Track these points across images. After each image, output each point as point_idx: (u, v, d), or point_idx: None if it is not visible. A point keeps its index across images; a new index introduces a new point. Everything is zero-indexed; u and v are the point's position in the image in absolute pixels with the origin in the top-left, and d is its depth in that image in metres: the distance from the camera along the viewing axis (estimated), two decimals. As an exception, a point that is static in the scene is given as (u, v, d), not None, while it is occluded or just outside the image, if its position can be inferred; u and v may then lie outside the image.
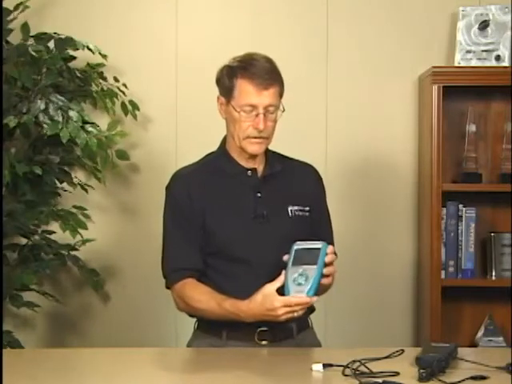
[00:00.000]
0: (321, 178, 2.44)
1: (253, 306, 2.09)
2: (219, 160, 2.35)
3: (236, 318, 2.14)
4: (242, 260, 2.25)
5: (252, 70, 2.22)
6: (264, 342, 2.22)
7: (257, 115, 2.22)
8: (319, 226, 2.37)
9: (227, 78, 2.26)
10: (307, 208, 2.34)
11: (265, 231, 2.27)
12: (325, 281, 2.08)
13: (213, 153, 2.40)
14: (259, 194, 2.29)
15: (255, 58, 2.26)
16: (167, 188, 2.37)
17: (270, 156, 2.36)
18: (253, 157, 2.31)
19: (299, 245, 2.10)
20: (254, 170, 2.32)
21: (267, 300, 2.06)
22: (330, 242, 2.40)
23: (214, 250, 2.27)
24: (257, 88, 2.21)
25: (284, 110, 2.27)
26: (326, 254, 2.08)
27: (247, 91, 2.22)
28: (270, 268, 2.22)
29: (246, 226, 2.26)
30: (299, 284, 2.02)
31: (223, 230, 2.26)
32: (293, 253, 2.08)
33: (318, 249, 2.07)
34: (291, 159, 2.43)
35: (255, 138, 2.25)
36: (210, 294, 2.20)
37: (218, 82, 2.30)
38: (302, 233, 2.30)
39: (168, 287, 2.31)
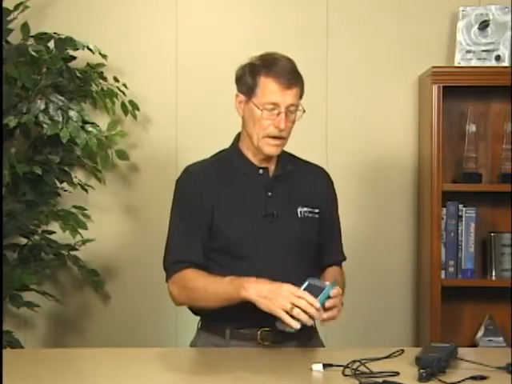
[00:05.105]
0: (332, 182, 2.44)
1: (261, 280, 2.07)
2: (231, 158, 2.35)
3: (236, 294, 2.09)
4: (249, 258, 2.24)
5: (276, 69, 2.22)
6: (266, 343, 2.21)
7: (278, 114, 2.21)
8: (327, 229, 2.37)
9: (250, 76, 2.25)
10: (316, 210, 2.33)
11: (273, 231, 2.26)
12: (325, 316, 2.06)
13: (225, 150, 2.39)
14: (270, 193, 2.29)
15: (278, 58, 2.26)
16: (177, 182, 2.36)
17: (282, 156, 2.35)
18: (268, 158, 2.30)
19: (312, 280, 2.09)
20: (265, 169, 2.32)
21: (277, 283, 2.05)
22: (337, 245, 2.43)
23: (221, 247, 2.26)
24: (280, 87, 2.21)
25: (305, 111, 2.26)
26: (329, 296, 2.06)
27: (271, 89, 2.21)
28: (276, 268, 2.23)
29: (255, 224, 2.26)
30: None
31: (232, 228, 2.25)
32: (304, 285, 2.07)
33: (324, 287, 2.07)
34: (303, 160, 2.43)
35: (274, 137, 2.24)
36: (212, 275, 2.19)
37: (240, 79, 2.29)
38: (310, 234, 2.32)
39: (166, 281, 2.30)
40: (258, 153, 2.30)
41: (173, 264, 2.27)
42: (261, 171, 2.32)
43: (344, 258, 2.47)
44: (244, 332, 2.22)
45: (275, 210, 2.27)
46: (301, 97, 2.27)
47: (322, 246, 2.38)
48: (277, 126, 2.22)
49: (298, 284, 2.07)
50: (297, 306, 2.00)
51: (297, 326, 1.99)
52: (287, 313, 2.01)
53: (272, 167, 2.33)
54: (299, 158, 2.43)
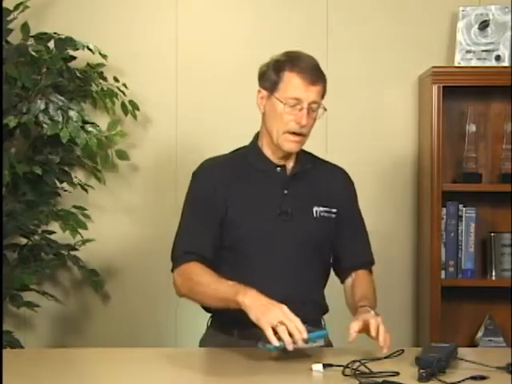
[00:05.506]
0: (352, 182, 2.42)
1: (262, 295, 2.04)
2: (249, 154, 2.34)
3: (233, 297, 2.06)
4: (261, 256, 2.23)
5: (301, 64, 2.22)
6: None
7: (300, 110, 2.21)
8: (348, 229, 2.36)
9: (273, 72, 2.24)
10: (334, 210, 2.32)
11: (287, 229, 2.25)
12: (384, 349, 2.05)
13: (244, 146, 2.38)
14: (286, 192, 2.28)
15: (302, 55, 2.26)
16: (193, 175, 2.35)
17: (301, 154, 2.34)
18: (286, 156, 2.29)
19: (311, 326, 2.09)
20: (283, 167, 2.31)
21: (276, 302, 2.02)
22: (361, 246, 2.41)
23: (233, 244, 2.25)
24: (304, 82, 2.20)
25: (326, 110, 2.26)
26: (321, 338, 2.06)
27: (295, 84, 2.21)
28: (288, 267, 2.23)
29: (269, 222, 2.24)
30: None
31: (245, 225, 2.24)
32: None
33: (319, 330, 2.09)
34: (323, 160, 2.42)
35: (294, 134, 2.23)
36: (217, 275, 2.17)
37: (263, 75, 2.27)
38: (325, 234, 2.31)
39: (172, 270, 2.28)
40: (277, 150, 2.28)
41: (181, 255, 2.25)
42: (278, 169, 2.31)
43: (371, 261, 2.44)
44: (252, 332, 2.20)
45: (290, 209, 2.26)
46: (323, 96, 2.26)
47: (344, 248, 2.36)
48: (298, 121, 2.21)
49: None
50: (284, 326, 1.97)
51: (276, 343, 1.95)
52: (273, 331, 1.97)
53: (290, 165, 2.32)
54: (318, 158, 2.42)
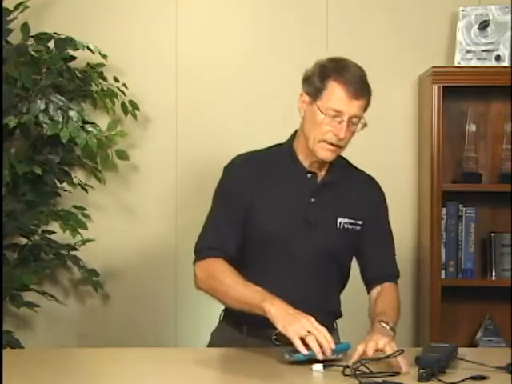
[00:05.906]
0: (383, 193, 2.39)
1: (288, 305, 2.04)
2: (282, 155, 2.30)
3: (259, 303, 2.06)
4: (278, 260, 2.22)
5: (346, 75, 2.16)
6: (278, 343, 2.16)
7: (340, 122, 2.16)
8: (373, 241, 2.32)
9: (319, 78, 2.18)
10: (360, 221, 2.29)
11: (307, 238, 2.23)
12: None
13: (279, 145, 2.34)
14: (313, 200, 2.25)
15: (350, 64, 2.21)
16: (225, 169, 2.32)
17: (336, 163, 2.29)
18: (319, 163, 2.26)
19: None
20: (314, 174, 2.27)
21: (303, 313, 2.02)
22: (386, 259, 2.36)
23: (253, 243, 2.24)
24: (348, 96, 2.16)
25: (366, 125, 2.22)
26: (345, 350, 2.04)
27: (337, 96, 2.16)
28: (304, 275, 2.22)
29: (291, 228, 2.22)
30: None
31: (267, 226, 2.22)
32: None
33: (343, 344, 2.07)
34: (357, 169, 2.39)
35: (331, 144, 2.19)
36: (242, 278, 2.15)
37: (307, 79, 2.22)
38: (347, 246, 2.28)
39: (194, 262, 2.27)
40: (311, 155, 2.24)
41: (205, 249, 2.24)
42: (309, 175, 2.27)
43: (396, 274, 2.38)
44: (260, 330, 2.19)
45: (313, 219, 2.23)
46: (365, 109, 2.22)
47: (369, 259, 2.33)
48: (336, 133, 2.17)
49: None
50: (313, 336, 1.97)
51: (305, 352, 1.96)
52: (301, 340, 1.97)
53: (322, 173, 2.28)
54: (353, 166, 2.38)
